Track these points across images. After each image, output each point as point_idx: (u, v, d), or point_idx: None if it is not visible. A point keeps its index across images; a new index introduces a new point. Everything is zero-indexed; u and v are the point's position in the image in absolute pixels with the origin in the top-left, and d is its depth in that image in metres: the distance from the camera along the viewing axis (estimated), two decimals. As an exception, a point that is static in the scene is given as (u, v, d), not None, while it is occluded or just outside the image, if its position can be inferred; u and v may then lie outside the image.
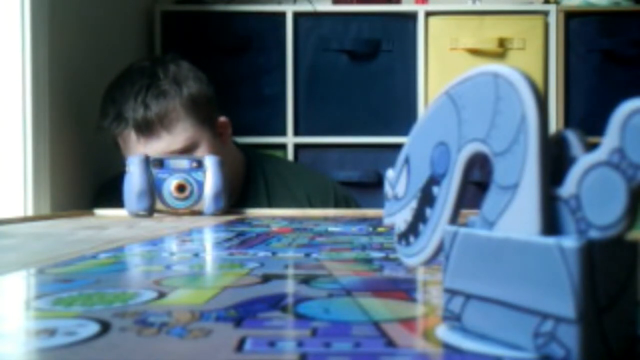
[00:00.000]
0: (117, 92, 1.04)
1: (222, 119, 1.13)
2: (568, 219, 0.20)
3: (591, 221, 0.20)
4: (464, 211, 0.26)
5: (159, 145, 1.03)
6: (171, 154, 1.02)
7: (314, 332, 0.22)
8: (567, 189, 0.20)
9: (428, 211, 0.26)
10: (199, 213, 0.95)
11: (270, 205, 1.15)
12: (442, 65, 1.60)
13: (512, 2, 1.68)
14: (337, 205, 1.19)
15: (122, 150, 1.07)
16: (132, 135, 1.03)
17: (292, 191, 1.19)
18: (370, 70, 1.61)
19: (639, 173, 0.18)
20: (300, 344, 0.21)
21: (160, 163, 0.94)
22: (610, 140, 0.19)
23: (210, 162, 0.96)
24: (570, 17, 1.60)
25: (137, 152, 1.02)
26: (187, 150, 1.04)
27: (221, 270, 0.39)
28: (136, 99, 1.02)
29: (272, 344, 0.21)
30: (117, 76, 1.08)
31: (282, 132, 1.60)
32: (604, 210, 0.19)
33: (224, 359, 0.19)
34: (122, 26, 1.45)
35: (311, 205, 1.16)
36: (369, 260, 0.42)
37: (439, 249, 0.26)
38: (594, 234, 0.20)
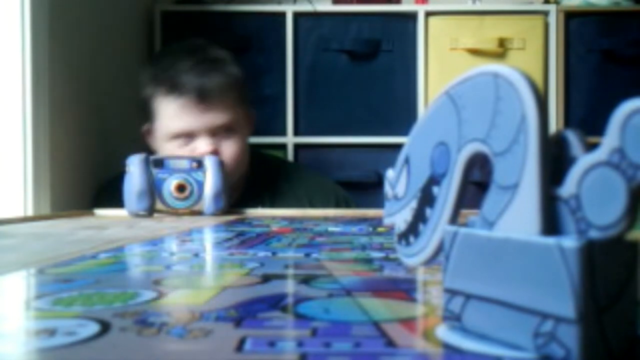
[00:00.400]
0: (173, 63, 1.08)
1: (252, 110, 1.18)
2: (568, 219, 0.20)
3: (591, 221, 0.20)
4: (464, 211, 0.26)
5: (210, 117, 1.06)
6: (215, 128, 1.06)
7: (314, 332, 0.22)
8: (567, 189, 0.20)
9: (428, 211, 0.26)
10: (199, 213, 0.95)
11: (273, 205, 1.16)
12: (442, 65, 1.60)
13: (512, 2, 1.68)
14: (337, 206, 1.19)
15: (162, 120, 1.08)
16: (188, 104, 1.05)
17: (294, 191, 1.19)
18: (370, 70, 1.61)
19: (639, 173, 0.18)
20: (300, 344, 0.21)
21: (160, 163, 0.94)
22: (610, 140, 0.19)
23: (210, 162, 0.96)
24: (570, 17, 1.60)
25: (186, 121, 1.05)
26: (228, 129, 1.08)
27: (221, 270, 0.39)
28: (197, 71, 1.06)
29: (272, 344, 0.21)
30: (167, 50, 1.14)
31: (282, 132, 1.60)
32: (604, 210, 0.19)
33: (224, 359, 0.19)
34: (122, 26, 1.45)
35: (312, 206, 1.16)
36: (369, 260, 0.42)
37: (439, 249, 0.26)
38: (594, 234, 0.20)
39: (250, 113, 1.17)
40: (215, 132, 1.07)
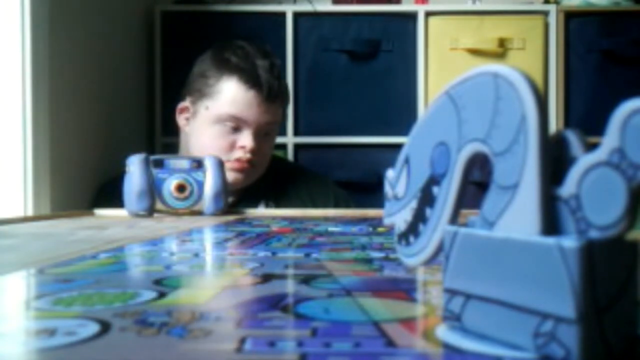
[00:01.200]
0: (251, 58, 1.14)
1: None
2: (568, 219, 0.20)
3: (591, 221, 0.20)
4: (464, 211, 0.26)
5: (267, 115, 1.13)
6: (264, 126, 1.13)
7: (314, 332, 0.22)
8: (567, 189, 0.20)
9: (428, 211, 0.26)
10: (199, 213, 0.95)
11: (277, 205, 1.16)
12: (442, 65, 1.60)
13: (512, 2, 1.68)
14: (337, 206, 1.19)
15: (221, 100, 1.12)
16: (257, 97, 1.12)
17: (297, 192, 1.20)
18: (370, 70, 1.61)
19: (639, 173, 0.18)
20: (300, 344, 0.21)
21: (160, 163, 0.94)
22: (610, 140, 0.19)
23: (210, 162, 0.96)
24: (570, 17, 1.60)
25: (247, 110, 1.11)
26: (267, 132, 1.15)
27: (221, 270, 0.39)
28: (272, 73, 1.14)
29: (272, 344, 0.21)
30: (238, 44, 1.16)
31: (282, 132, 1.60)
32: (604, 210, 0.19)
33: (224, 359, 0.19)
34: (122, 26, 1.45)
35: (314, 206, 1.16)
36: (369, 260, 0.42)
37: (439, 249, 0.26)
38: (594, 234, 0.20)
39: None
40: (259, 131, 1.13)
